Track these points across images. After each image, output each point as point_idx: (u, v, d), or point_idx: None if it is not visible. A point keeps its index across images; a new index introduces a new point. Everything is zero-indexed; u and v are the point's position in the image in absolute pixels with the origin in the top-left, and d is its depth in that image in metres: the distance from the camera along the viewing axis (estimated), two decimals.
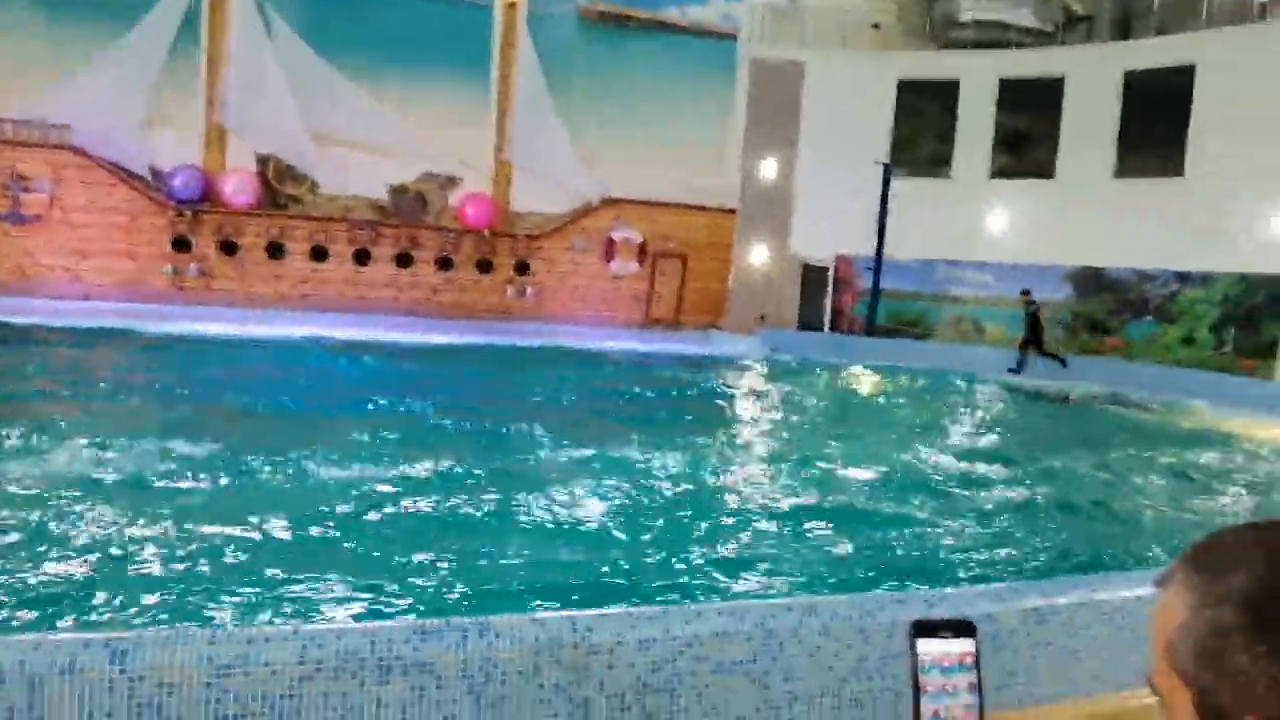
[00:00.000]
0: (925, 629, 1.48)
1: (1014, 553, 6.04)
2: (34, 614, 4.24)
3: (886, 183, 18.21)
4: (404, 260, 18.42)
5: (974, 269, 18.98)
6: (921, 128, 19.41)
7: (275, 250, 17.71)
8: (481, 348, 15.71)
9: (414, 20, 18.38)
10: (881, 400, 13.91)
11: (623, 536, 5.90)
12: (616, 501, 6.79)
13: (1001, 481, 8.30)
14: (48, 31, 16.46)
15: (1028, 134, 18.91)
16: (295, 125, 17.77)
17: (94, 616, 4.19)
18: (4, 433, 7.51)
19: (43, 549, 5.07)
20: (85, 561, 4.97)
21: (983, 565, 5.73)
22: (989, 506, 7.28)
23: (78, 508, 5.78)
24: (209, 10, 17.41)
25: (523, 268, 19.08)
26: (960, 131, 19.04)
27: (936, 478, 8.22)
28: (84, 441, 7.36)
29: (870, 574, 5.37)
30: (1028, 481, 8.28)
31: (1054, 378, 16.09)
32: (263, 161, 18.01)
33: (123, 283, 16.83)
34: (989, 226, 18.86)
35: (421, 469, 7.34)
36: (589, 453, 8.20)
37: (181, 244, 17.14)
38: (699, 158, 19.96)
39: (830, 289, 19.82)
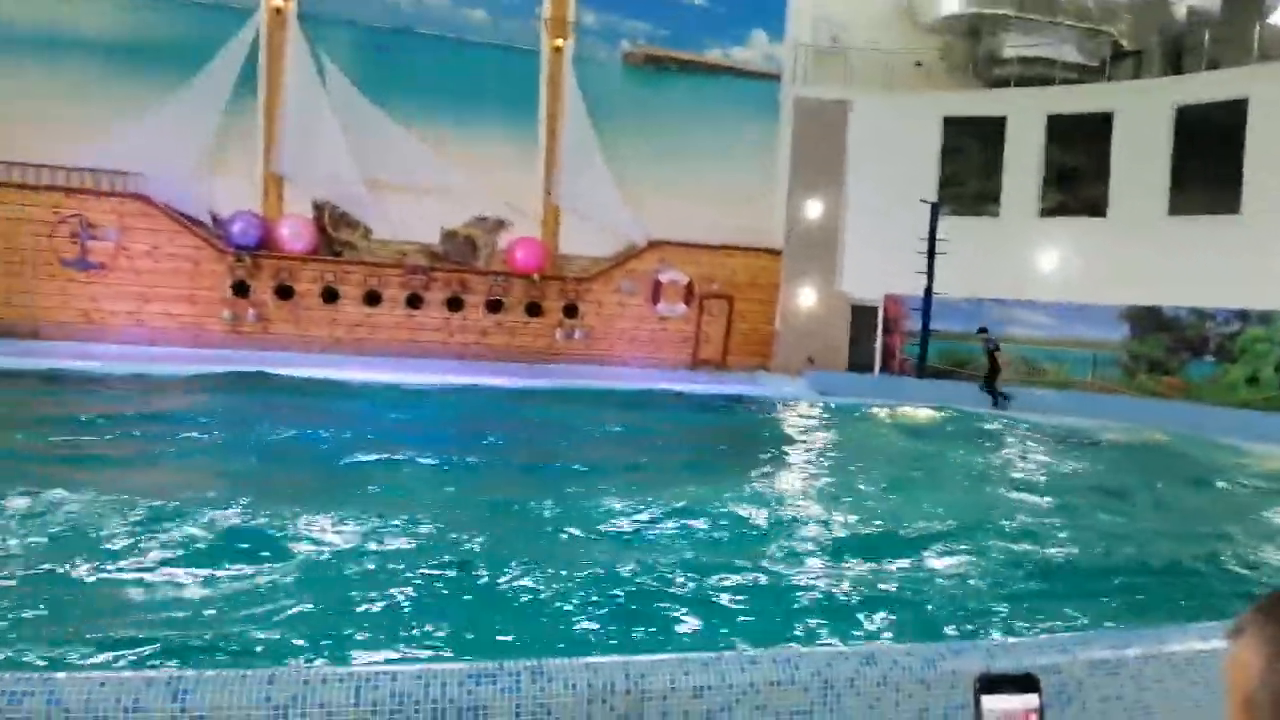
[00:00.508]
0: (988, 684, 1.45)
1: (1077, 601, 5.86)
2: (88, 650, 4.32)
3: (934, 221, 18.09)
4: (455, 304, 18.70)
5: (1025, 309, 18.70)
6: (968, 166, 19.31)
7: (330, 295, 18.09)
8: (532, 390, 15.82)
9: (463, 66, 18.85)
10: (935, 443, 13.67)
11: (674, 579, 5.86)
12: (666, 544, 6.75)
13: (1063, 526, 8.09)
14: (115, 82, 17.16)
15: (1077, 171, 18.71)
16: (349, 172, 18.25)
17: (153, 654, 4.26)
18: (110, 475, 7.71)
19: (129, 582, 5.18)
20: (158, 597, 5.07)
21: (1046, 614, 5.57)
22: (1050, 552, 7.09)
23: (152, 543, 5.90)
24: (266, 60, 18.03)
25: (571, 310, 19.25)
26: (1008, 169, 18.90)
27: (996, 522, 8.04)
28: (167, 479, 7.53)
29: (929, 622, 5.25)
30: (1090, 526, 8.06)
31: (1130, 419, 15.62)
32: (318, 208, 18.49)
33: (183, 327, 17.31)
34: (1039, 265, 18.62)
35: (477, 509, 7.38)
36: (638, 496, 8.17)
37: (240, 289, 17.60)
38: (744, 199, 20.07)
39: (880, 329, 19.66)
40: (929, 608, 5.60)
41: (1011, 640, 2.28)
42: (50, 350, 15.33)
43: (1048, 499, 9.24)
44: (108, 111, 16.97)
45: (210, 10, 17.75)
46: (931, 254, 18.07)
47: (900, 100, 19.53)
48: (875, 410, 16.13)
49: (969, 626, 5.10)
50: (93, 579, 5.31)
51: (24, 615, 4.76)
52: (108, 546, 5.88)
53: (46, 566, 5.47)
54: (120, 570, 5.48)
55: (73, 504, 6.68)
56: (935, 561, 6.66)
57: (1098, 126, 18.09)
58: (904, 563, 6.55)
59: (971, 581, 6.19)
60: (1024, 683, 1.47)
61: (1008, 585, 6.12)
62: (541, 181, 19.47)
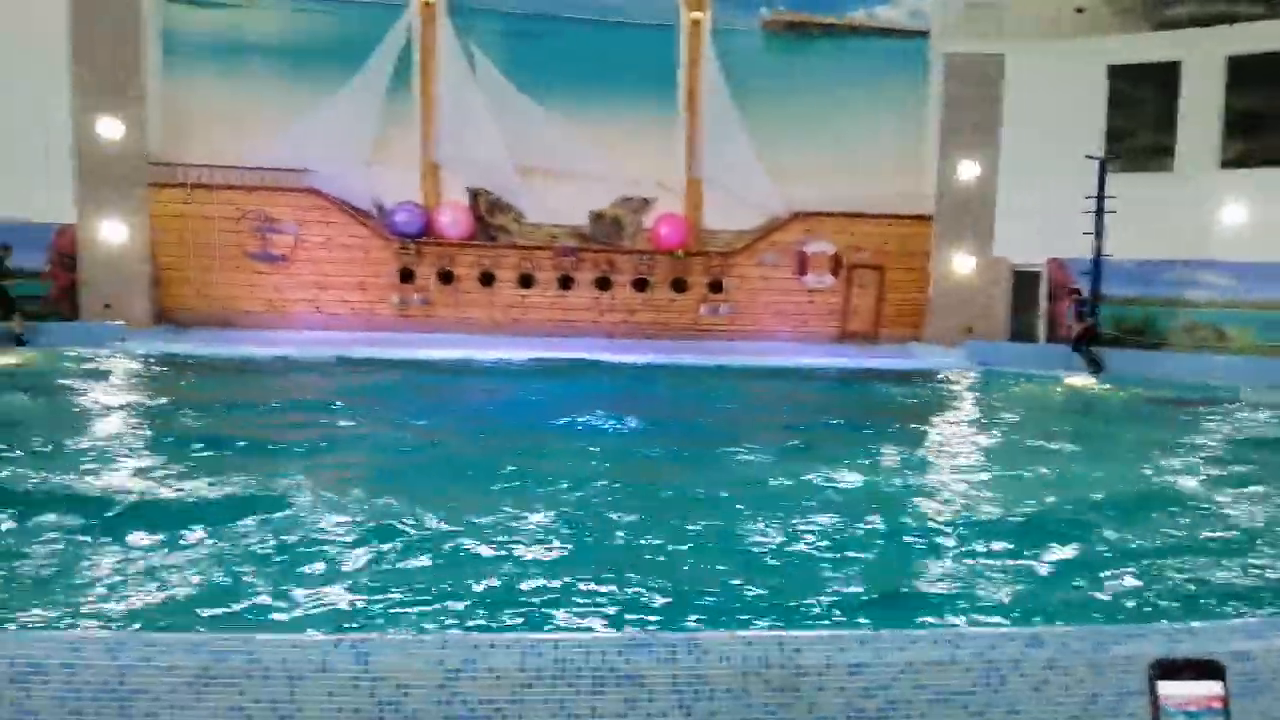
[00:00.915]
0: (1168, 669, 1.38)
1: (1269, 585, 5.44)
2: (280, 612, 4.70)
3: (1102, 179, 16.93)
4: (603, 283, 19.03)
5: (1207, 269, 17.28)
6: (1138, 117, 17.94)
7: (486, 279, 18.78)
8: (680, 366, 15.94)
9: (604, 47, 19.04)
10: (1109, 416, 12.90)
11: (833, 556, 5.81)
12: (825, 520, 6.69)
13: (1251, 504, 7.50)
14: (286, 83, 18.30)
15: (1264, 116, 17.06)
16: (501, 158, 18.82)
17: (343, 615, 4.60)
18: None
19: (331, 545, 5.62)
20: (348, 560, 5.47)
21: (1234, 598, 5.20)
22: (1238, 533, 6.60)
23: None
24: (420, 53, 18.77)
25: (716, 286, 19.22)
26: (1183, 119, 17.43)
27: (1178, 500, 7.53)
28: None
29: (1103, 604, 4.99)
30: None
31: None
32: (473, 194, 19.18)
33: (356, 313, 18.38)
34: (1221, 221, 17.13)
35: (634, 484, 7.54)
36: (795, 471, 8.13)
37: (406, 275, 18.53)
38: (892, 164, 19.40)
39: (1044, 296, 18.63)
40: (1100, 590, 5.33)
41: (1195, 624, 2.13)
42: (265, 338, 16.61)
43: (1236, 474, 8.57)
44: (280, 111, 18.14)
45: (366, 8, 18.63)
46: (1100, 213, 16.93)
47: (1060, 49, 18.31)
48: (1042, 381, 15.36)
49: (1146, 609, 4.82)
50: (300, 551, 5.77)
51: (231, 577, 5.24)
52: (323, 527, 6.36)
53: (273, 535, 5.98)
54: (319, 545, 5.92)
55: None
56: (1109, 542, 6.31)
57: None
58: (1075, 543, 6.24)
59: (1149, 564, 5.83)
60: (1207, 669, 1.39)
61: (1188, 570, 5.74)
62: (684, 157, 19.46)
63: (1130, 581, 5.51)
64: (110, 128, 17.02)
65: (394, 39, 18.59)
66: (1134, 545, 6.25)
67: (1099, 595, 5.25)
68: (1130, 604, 5.09)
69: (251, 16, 18.47)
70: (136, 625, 4.44)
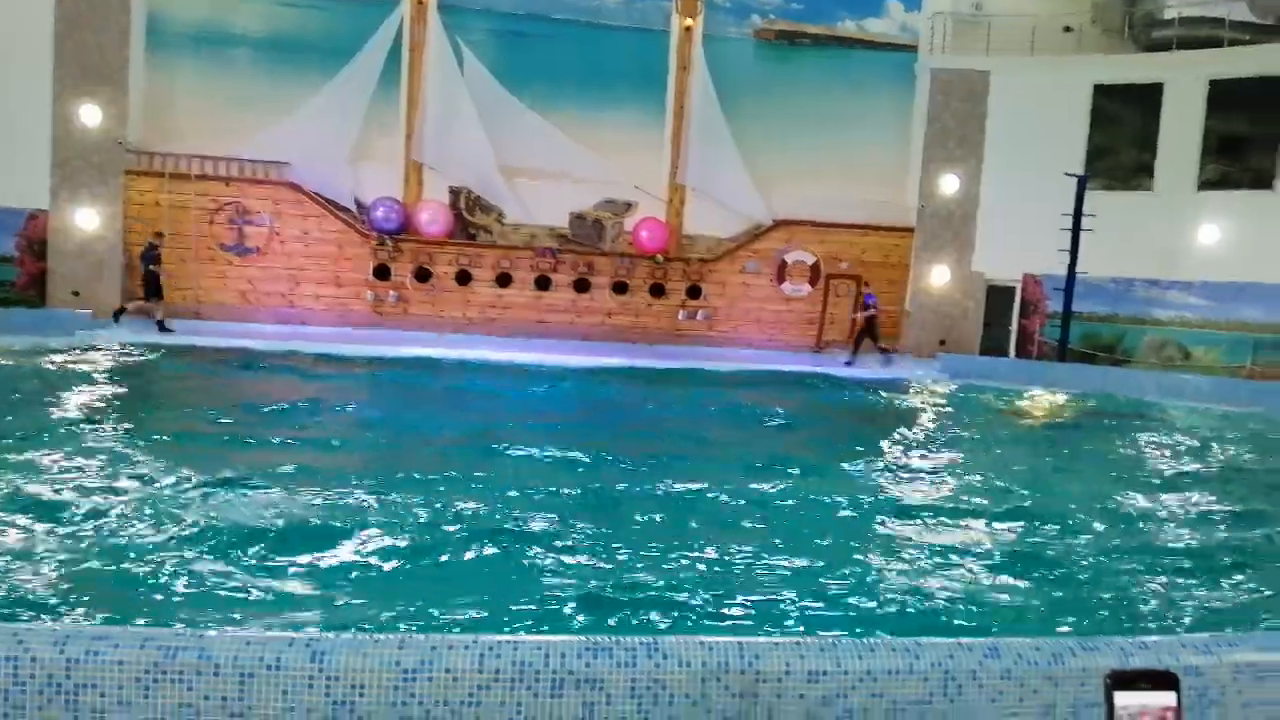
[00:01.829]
0: (1124, 680, 1.38)
1: (1224, 603, 5.49)
2: (225, 610, 4.63)
3: (1080, 196, 17.11)
4: (581, 285, 19.00)
5: (1179, 289, 17.51)
6: (1120, 136, 18.16)
7: (463, 277, 18.70)
8: (655, 370, 15.94)
9: (594, 50, 19.06)
10: (1075, 431, 13.03)
11: (794, 563, 5.81)
12: (787, 527, 6.70)
13: (1212, 521, 7.58)
14: (270, 77, 18.19)
15: (1243, 140, 17.31)
16: (485, 158, 18.76)
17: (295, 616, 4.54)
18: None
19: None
20: (313, 556, 5.41)
21: (1188, 614, 5.25)
22: (1195, 548, 6.67)
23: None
24: (409, 52, 18.69)
25: (695, 291, 19.24)
26: (1164, 140, 17.66)
27: (1138, 516, 7.61)
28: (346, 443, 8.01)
29: (1060, 617, 5.03)
30: (1242, 523, 7.53)
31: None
32: (454, 193, 19.10)
33: (330, 308, 18.24)
34: (1197, 242, 17.36)
35: (600, 485, 7.52)
36: (758, 480, 8.13)
37: (382, 272, 18.41)
38: (875, 175, 19.53)
39: (1016, 311, 18.81)
40: (1060, 603, 5.36)
41: (1149, 638, 2.15)
42: (230, 330, 16.47)
43: (1203, 494, 8.67)
44: (264, 104, 18.01)
45: (357, 5, 18.53)
46: (1076, 230, 17.11)
47: (1046, 67, 18.51)
48: (1011, 396, 15.50)
49: (1103, 621, 4.86)
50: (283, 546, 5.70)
51: (185, 578, 5.17)
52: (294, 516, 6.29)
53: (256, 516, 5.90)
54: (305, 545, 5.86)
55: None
56: (1072, 555, 6.36)
57: (1269, 91, 16.68)
58: (1039, 556, 6.29)
59: (1108, 579, 5.88)
60: (1162, 681, 1.39)
61: (1146, 585, 5.79)
62: (668, 162, 19.48)
63: (1085, 587, 5.57)
64: (90, 114, 16.83)
65: (383, 35, 18.50)
66: (1084, 551, 6.31)
67: (1055, 603, 5.29)
68: (1084, 610, 5.13)
69: (239, 8, 18.33)
70: (84, 619, 4.37)
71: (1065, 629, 4.79)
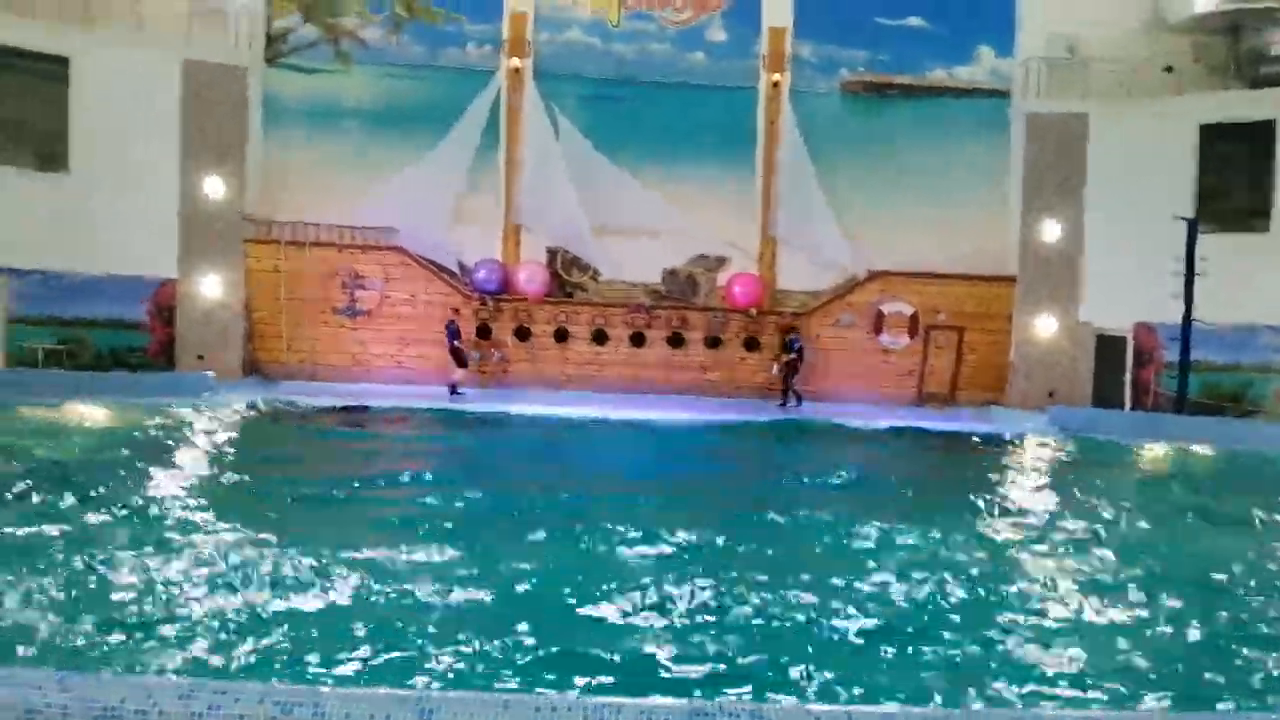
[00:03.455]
0: None
1: None
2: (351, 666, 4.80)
3: (1192, 240, 16.42)
4: (676, 340, 19.16)
5: None
6: (1231, 177, 17.41)
7: (561, 334, 19.11)
8: (751, 425, 15.89)
9: (684, 109, 19.47)
10: (1200, 487, 12.35)
11: (903, 625, 5.69)
12: (895, 588, 6.56)
13: None
14: (377, 145, 19.17)
15: None
16: (579, 218, 19.27)
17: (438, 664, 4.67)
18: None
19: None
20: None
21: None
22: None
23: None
24: (506, 118, 19.45)
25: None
26: (1279, 178, 16.86)
27: (1262, 579, 7.17)
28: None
29: (1191, 688, 4.77)
30: None
31: None
32: (551, 253, 19.64)
33: (436, 367, 18.82)
34: None
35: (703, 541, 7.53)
36: (865, 537, 8.00)
37: (483, 331, 18.98)
38: (972, 224, 19.19)
39: (1129, 361, 18.04)
40: (1191, 670, 5.09)
41: (1202, 715, 2.01)
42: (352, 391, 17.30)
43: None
44: (371, 172, 18.97)
45: (457, 74, 19.44)
46: (1190, 276, 16.39)
47: (1148, 108, 17.98)
48: (1128, 450, 14.80)
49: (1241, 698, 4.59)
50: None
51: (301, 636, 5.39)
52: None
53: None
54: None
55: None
56: (1200, 617, 6.03)
57: None
58: (1164, 622, 5.97)
59: (1239, 642, 5.55)
60: None
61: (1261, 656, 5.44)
62: (759, 217, 19.61)
63: (1222, 657, 5.27)
64: (214, 187, 18.00)
65: (481, 104, 19.33)
66: (1220, 618, 5.97)
67: (1189, 674, 5.02)
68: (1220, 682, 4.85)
69: (347, 82, 19.44)
70: (205, 674, 4.59)
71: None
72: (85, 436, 12.53)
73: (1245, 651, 5.48)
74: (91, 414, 13.97)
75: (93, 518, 7.67)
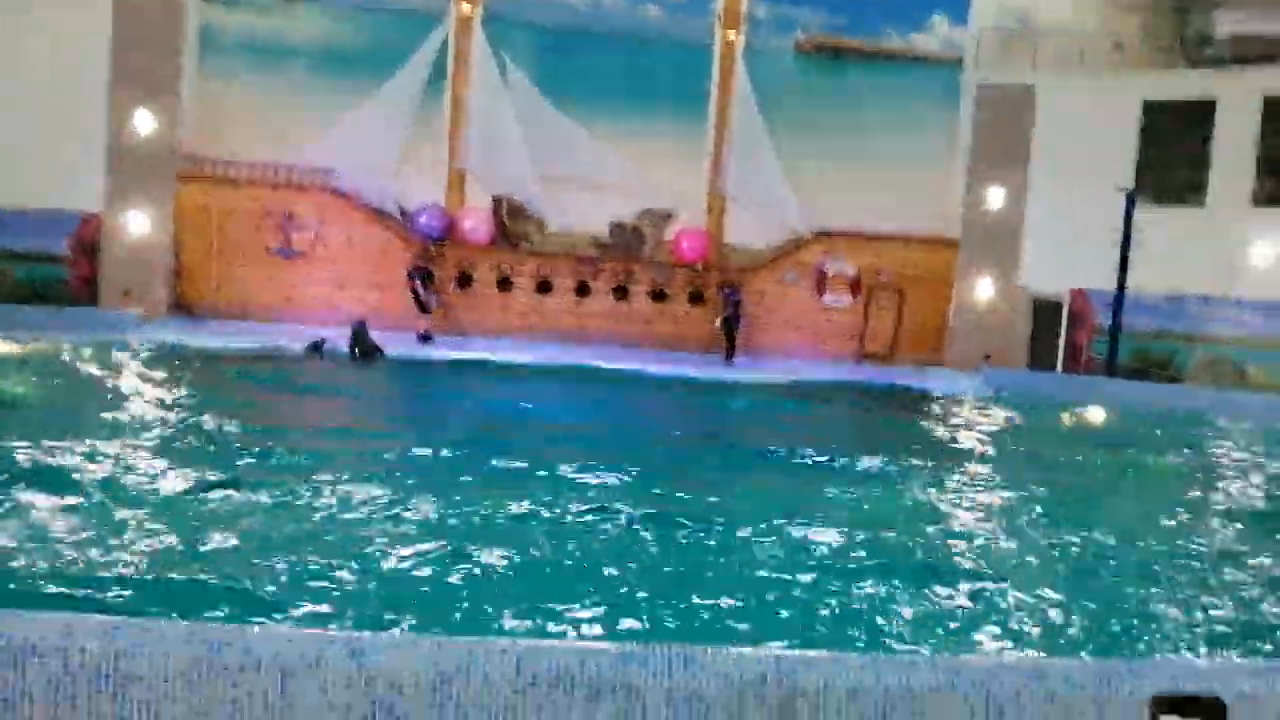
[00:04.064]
0: (1168, 705, 1.35)
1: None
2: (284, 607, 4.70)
3: (1130, 212, 16.82)
4: (621, 293, 19.06)
5: (1232, 306, 17.12)
6: (1171, 153, 17.82)
7: (504, 284, 18.85)
8: (689, 380, 15.94)
9: (636, 63, 19.14)
10: (1124, 449, 12.77)
11: (831, 577, 5.76)
12: (824, 540, 6.64)
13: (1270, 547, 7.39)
14: (318, 87, 18.50)
15: None
16: (526, 167, 18.92)
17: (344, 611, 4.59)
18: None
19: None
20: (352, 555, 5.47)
21: (1238, 640, 5.11)
22: (1250, 573, 6.50)
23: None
24: (454, 63, 18.92)
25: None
26: (1217, 156, 17.31)
27: (1189, 536, 7.44)
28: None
29: (1106, 641, 4.92)
30: None
31: None
32: (496, 201, 19.29)
33: (372, 311, 18.43)
34: (1251, 259, 16.98)
35: (635, 495, 7.52)
36: (795, 490, 8.09)
37: (427, 276, 18.61)
38: (919, 188, 19.34)
39: (1064, 326, 18.50)
40: (1106, 629, 5.25)
41: (1201, 662, 2.08)
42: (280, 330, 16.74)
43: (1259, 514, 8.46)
44: (312, 113, 18.32)
45: (404, 18, 18.79)
46: (1126, 245, 16.82)
47: (1094, 84, 18.25)
48: (1057, 411, 15.22)
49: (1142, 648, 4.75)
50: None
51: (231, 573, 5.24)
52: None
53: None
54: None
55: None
56: (1115, 578, 6.23)
57: None
58: (1080, 575, 6.17)
59: (1153, 595, 5.76)
60: (1208, 709, 1.35)
61: (1199, 608, 5.65)
62: (708, 173, 19.50)
63: (1134, 610, 5.45)
64: (144, 121, 17.23)
65: (428, 48, 18.75)
66: (1132, 572, 6.18)
67: (1103, 625, 5.18)
68: (1132, 635, 5.03)
69: (289, 20, 18.67)
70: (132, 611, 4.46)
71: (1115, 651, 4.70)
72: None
73: (1159, 602, 5.68)
74: (7, 348, 13.40)
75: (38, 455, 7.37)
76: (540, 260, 19.03)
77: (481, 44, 18.88)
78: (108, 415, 9.57)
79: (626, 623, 4.82)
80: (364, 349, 15.54)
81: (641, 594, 5.27)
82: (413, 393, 14.35)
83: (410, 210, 18.82)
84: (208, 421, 9.34)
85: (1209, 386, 16.81)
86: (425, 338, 17.63)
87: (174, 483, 6.98)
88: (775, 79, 19.42)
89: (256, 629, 2.45)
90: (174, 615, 4.02)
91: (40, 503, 6.17)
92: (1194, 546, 7.23)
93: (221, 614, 4.50)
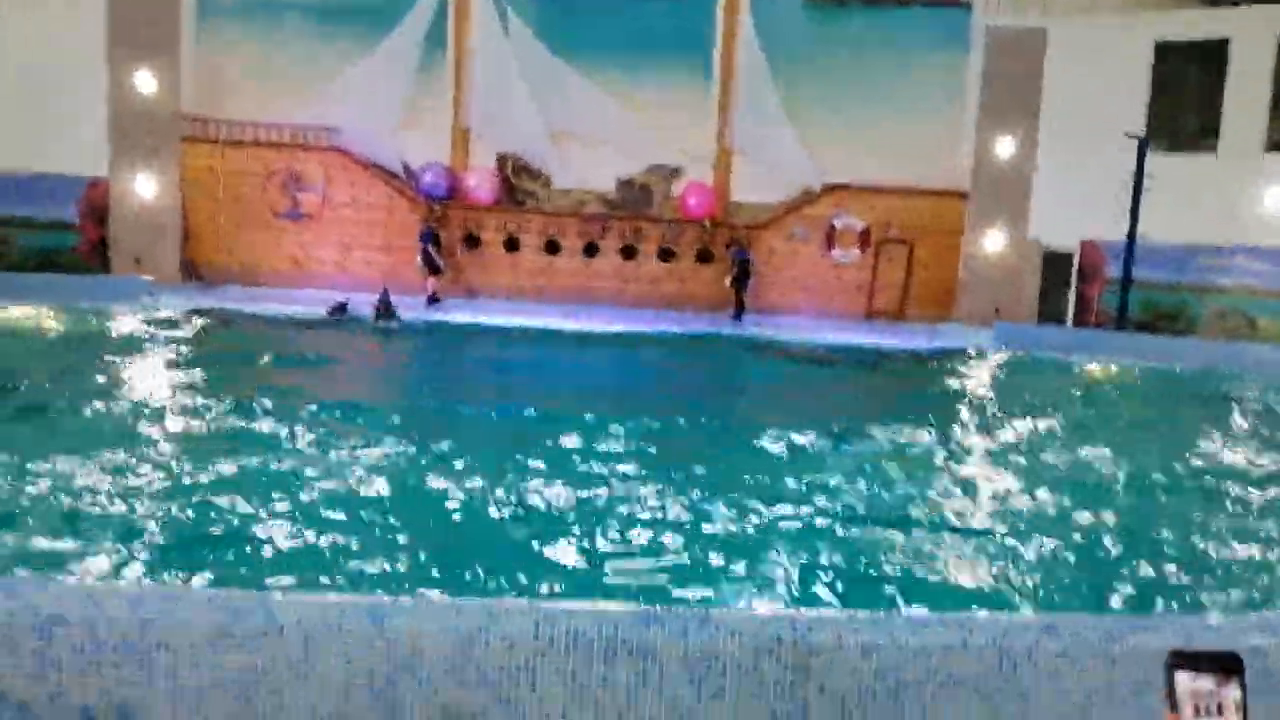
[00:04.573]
0: (1184, 661, 1.35)
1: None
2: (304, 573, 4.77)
3: (1141, 159, 16.56)
4: (629, 252, 18.97)
5: (1245, 255, 16.94)
6: (1183, 97, 17.48)
7: (511, 244, 18.78)
8: (703, 336, 15.92)
9: (641, 14, 18.81)
10: (1134, 402, 12.75)
11: (847, 536, 5.80)
12: (839, 500, 6.68)
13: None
14: (317, 42, 18.29)
15: None
16: (531, 123, 18.72)
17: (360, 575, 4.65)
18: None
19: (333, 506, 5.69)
20: (357, 519, 5.53)
21: (1258, 593, 5.14)
22: (1265, 525, 6.51)
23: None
24: (454, 16, 18.65)
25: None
26: (1229, 99, 16.96)
27: (1202, 491, 7.45)
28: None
29: (1121, 596, 4.96)
30: None
31: None
32: (501, 159, 19.12)
33: (381, 273, 18.43)
34: (1264, 206, 16.75)
35: (648, 459, 7.56)
36: (811, 448, 8.11)
37: (435, 238, 18.55)
38: (928, 139, 19.07)
39: (1074, 278, 18.35)
40: (1121, 576, 5.29)
41: (1214, 617, 2.09)
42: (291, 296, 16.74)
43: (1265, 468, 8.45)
44: (313, 71, 18.15)
45: None
46: (1137, 194, 16.58)
47: (1105, 25, 17.88)
48: (1069, 366, 15.17)
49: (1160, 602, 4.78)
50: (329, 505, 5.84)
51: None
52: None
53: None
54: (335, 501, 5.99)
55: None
56: (1131, 532, 6.25)
57: None
58: (1094, 532, 6.19)
59: (1168, 550, 5.78)
60: (1225, 662, 1.36)
61: (1214, 561, 5.68)
62: (716, 127, 19.27)
63: (1147, 565, 5.48)
64: (145, 82, 17.09)
65: (428, 2, 18.46)
66: (1146, 527, 6.20)
67: (1117, 581, 5.22)
68: (1147, 590, 5.06)
69: None
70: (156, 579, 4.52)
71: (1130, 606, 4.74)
72: (18, 340, 12.06)
73: (1173, 558, 5.70)
74: (22, 316, 13.45)
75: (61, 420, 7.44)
76: (547, 219, 18.92)
77: None
78: (150, 384, 9.64)
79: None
80: (387, 314, 15.66)
81: (654, 548, 5.32)
82: (434, 360, 14.37)
83: (415, 169, 18.70)
84: (244, 389, 9.39)
85: (1219, 338, 16.69)
86: (434, 299, 17.59)
87: (211, 450, 7.04)
88: (782, 29, 19.07)
89: (278, 595, 2.49)
90: (198, 580, 4.08)
91: (65, 467, 6.23)
92: (1198, 494, 7.23)
93: (244, 576, 4.57)
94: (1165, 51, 17.37)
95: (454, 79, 18.73)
